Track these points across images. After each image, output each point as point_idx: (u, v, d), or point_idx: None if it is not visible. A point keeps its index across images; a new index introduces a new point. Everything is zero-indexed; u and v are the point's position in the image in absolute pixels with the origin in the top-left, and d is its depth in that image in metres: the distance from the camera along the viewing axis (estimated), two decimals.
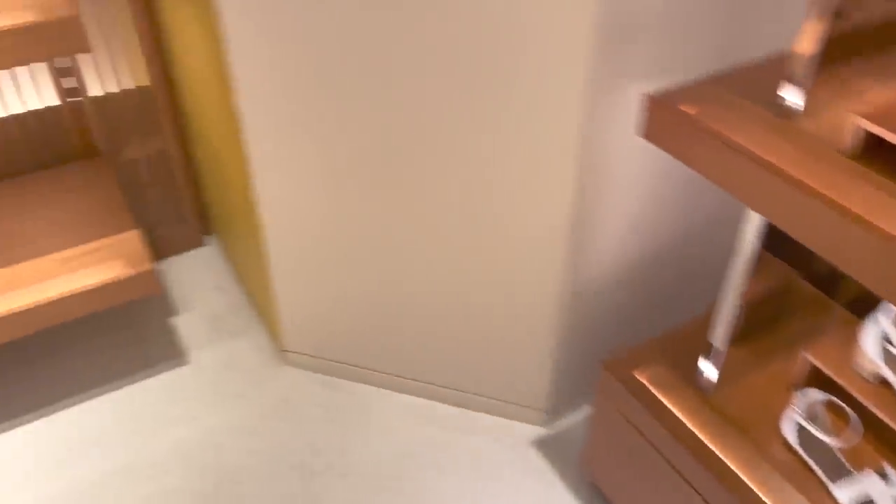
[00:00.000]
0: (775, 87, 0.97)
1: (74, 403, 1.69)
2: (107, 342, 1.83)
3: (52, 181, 1.78)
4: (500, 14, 1.13)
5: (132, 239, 1.61)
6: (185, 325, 1.88)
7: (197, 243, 2.08)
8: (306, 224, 1.50)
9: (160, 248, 2.03)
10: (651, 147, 1.04)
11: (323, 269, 1.57)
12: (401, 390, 1.71)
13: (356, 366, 1.72)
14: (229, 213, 1.82)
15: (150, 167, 1.92)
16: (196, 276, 2.01)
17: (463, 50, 1.18)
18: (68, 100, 1.76)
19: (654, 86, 1.06)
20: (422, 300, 1.55)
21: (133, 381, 1.74)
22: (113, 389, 1.73)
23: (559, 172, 1.26)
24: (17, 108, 1.72)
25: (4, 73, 1.65)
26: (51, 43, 1.27)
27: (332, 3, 1.19)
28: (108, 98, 1.79)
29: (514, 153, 1.27)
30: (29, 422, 1.66)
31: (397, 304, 1.57)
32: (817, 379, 1.21)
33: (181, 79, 1.75)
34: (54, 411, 1.68)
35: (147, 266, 1.55)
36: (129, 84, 1.79)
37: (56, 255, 1.57)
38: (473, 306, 1.51)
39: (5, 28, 1.24)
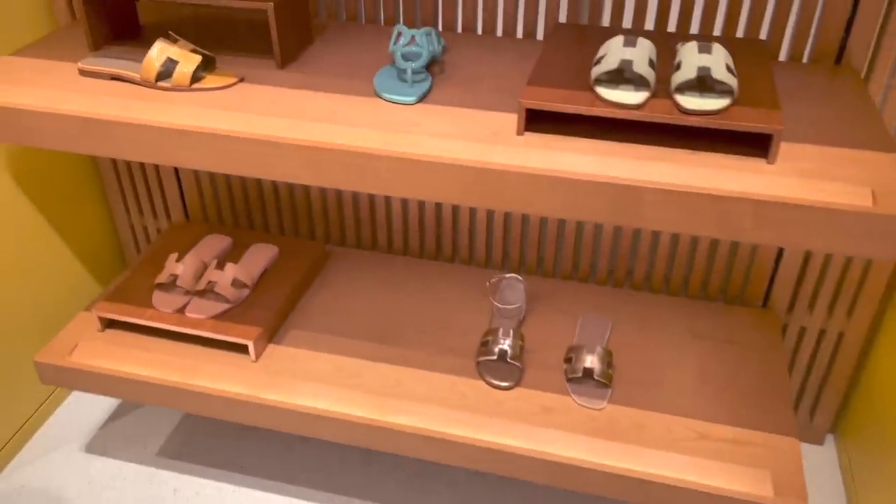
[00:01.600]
0: None
1: None
2: None
3: (720, 317, 1.51)
4: None
5: (790, 450, 1.25)
6: None
7: (815, 439, 1.66)
8: None
9: None
10: None
11: None
12: None
13: None
14: None
15: (801, 340, 1.55)
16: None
17: None
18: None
19: None
20: None
21: None
22: None
23: None
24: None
25: None
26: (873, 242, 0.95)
27: None
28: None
29: None
30: None
31: None
32: None
33: None
34: None
35: (801, 501, 1.18)
36: None
37: (693, 422, 1.30)
38: None
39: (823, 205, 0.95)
